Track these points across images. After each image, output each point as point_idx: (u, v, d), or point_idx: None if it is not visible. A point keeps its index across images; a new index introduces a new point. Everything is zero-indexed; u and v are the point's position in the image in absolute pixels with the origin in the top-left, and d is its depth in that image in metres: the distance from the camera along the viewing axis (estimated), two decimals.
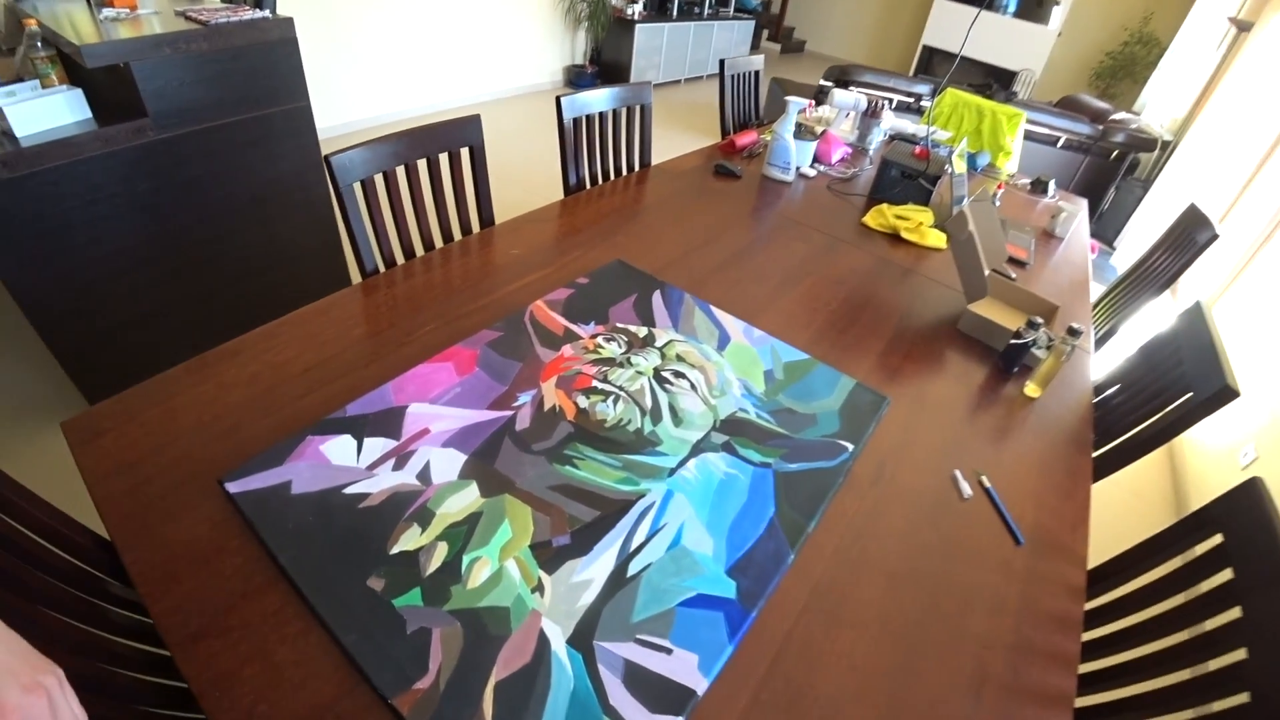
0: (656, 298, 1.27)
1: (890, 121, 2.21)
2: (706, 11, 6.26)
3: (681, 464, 0.93)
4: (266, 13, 1.87)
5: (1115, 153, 3.48)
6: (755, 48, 7.48)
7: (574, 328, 1.15)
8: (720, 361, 1.13)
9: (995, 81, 6.28)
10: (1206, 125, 3.47)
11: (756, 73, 2.30)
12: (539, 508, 0.83)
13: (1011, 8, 6.37)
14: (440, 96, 4.45)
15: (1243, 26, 3.46)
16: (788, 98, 1.74)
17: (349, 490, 0.81)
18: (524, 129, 4.35)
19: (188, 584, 0.71)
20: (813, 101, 2.18)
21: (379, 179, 1.29)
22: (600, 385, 1.03)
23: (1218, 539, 0.90)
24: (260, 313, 1.11)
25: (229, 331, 1.07)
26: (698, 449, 0.95)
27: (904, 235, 1.69)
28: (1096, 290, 2.03)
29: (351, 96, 3.84)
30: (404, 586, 0.72)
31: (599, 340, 1.13)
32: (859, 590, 0.84)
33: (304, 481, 0.81)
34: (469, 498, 0.83)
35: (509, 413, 0.96)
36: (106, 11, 1.70)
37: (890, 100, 2.21)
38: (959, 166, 1.72)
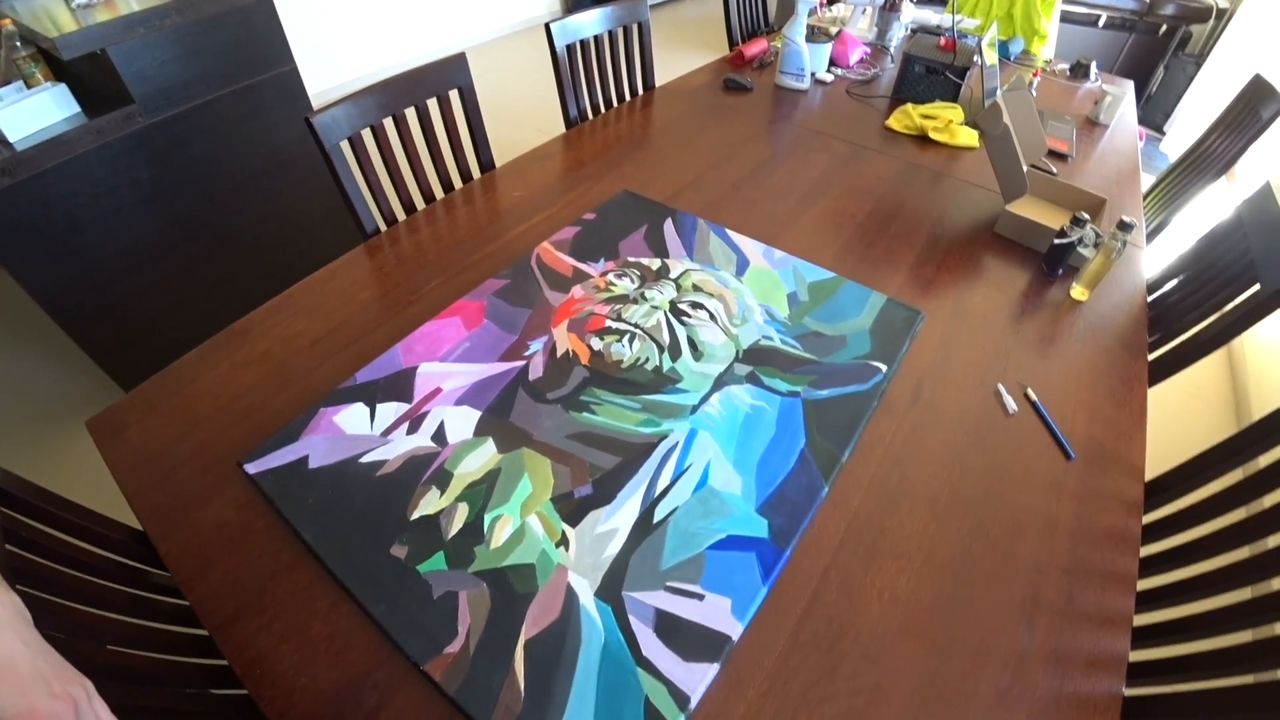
0: (668, 226, 1.20)
1: (911, 14, 2.02)
2: None
3: (704, 400, 0.88)
4: None
5: (1164, 27, 3.14)
6: None
7: (583, 267, 1.10)
8: (740, 288, 1.07)
9: None
10: None
11: None
12: (558, 459, 0.80)
13: None
14: (434, 42, 4.26)
15: None
16: None
17: (365, 459, 0.80)
18: (526, 66, 4.17)
19: (221, 568, 0.72)
20: (823, 1, 2.00)
21: (367, 134, 1.23)
22: (614, 325, 0.98)
23: None
24: (282, 285, 1.09)
25: (247, 307, 1.05)
26: (720, 382, 0.91)
27: (932, 136, 1.56)
28: (1146, 181, 1.87)
29: (340, 55, 3.71)
30: (427, 552, 0.71)
31: (610, 277, 1.07)
32: (900, 520, 0.80)
33: (320, 455, 0.80)
34: (486, 455, 0.80)
35: (521, 363, 0.92)
36: (79, 0, 1.63)
37: None
38: (989, 56, 1.56)
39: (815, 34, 1.77)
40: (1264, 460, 0.85)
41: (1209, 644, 0.76)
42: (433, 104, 1.33)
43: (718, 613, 0.67)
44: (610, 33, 1.63)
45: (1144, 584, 0.83)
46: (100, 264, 1.60)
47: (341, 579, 0.69)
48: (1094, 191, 1.30)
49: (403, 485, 0.77)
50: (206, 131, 1.71)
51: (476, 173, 1.45)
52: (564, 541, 0.72)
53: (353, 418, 0.85)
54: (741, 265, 1.12)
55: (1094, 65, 1.95)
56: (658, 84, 1.82)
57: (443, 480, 0.77)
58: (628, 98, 1.76)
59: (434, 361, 0.92)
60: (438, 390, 0.88)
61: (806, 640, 0.69)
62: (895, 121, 1.62)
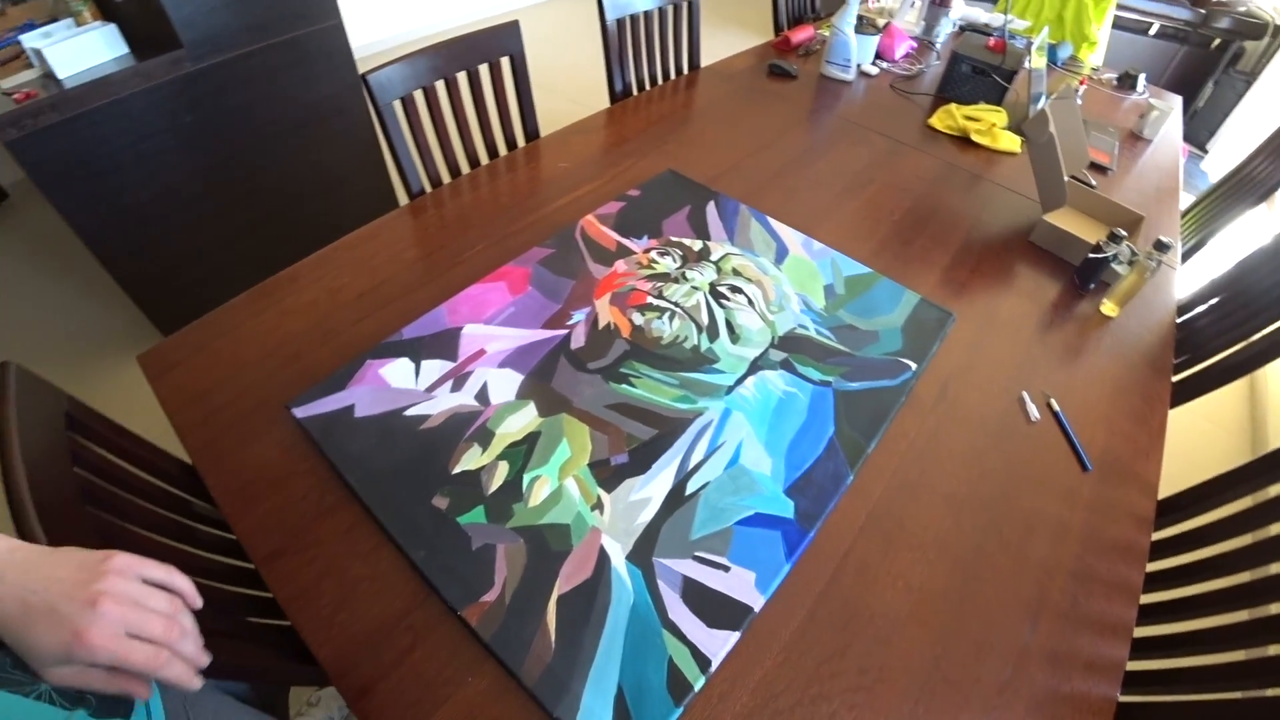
0: (711, 209, 1.22)
1: (960, 10, 2.00)
2: None
3: (739, 382, 0.91)
4: None
5: (1217, 41, 3.08)
6: None
7: (626, 242, 1.12)
8: (778, 275, 1.09)
9: None
10: None
11: None
12: (597, 426, 0.83)
13: None
14: (479, 5, 4.21)
15: None
16: None
17: (409, 412, 0.83)
18: (567, 35, 4.12)
19: (265, 504, 0.75)
20: None
21: (419, 95, 1.25)
22: (655, 301, 1.00)
23: None
24: (311, 238, 1.12)
25: (284, 259, 1.08)
26: (756, 366, 0.93)
27: (974, 138, 1.56)
28: (1185, 200, 1.86)
29: (385, 12, 3.68)
30: (467, 505, 0.74)
31: (653, 255, 1.09)
32: (918, 513, 0.83)
33: (366, 405, 0.83)
34: (527, 417, 0.83)
35: (564, 331, 0.95)
36: None
37: None
38: (1038, 60, 1.55)
39: (863, 25, 1.76)
40: (1275, 490, 0.87)
41: (1203, 659, 0.79)
42: (484, 70, 1.34)
43: (742, 584, 0.71)
44: (660, 9, 1.63)
45: (1147, 598, 0.85)
46: (140, 204, 1.63)
47: (384, 523, 0.72)
48: (1132, 208, 1.30)
49: (445, 440, 0.80)
50: (249, 81, 1.72)
51: (521, 141, 1.46)
52: (599, 505, 0.75)
53: (398, 372, 0.88)
54: (781, 253, 1.13)
55: (1143, 78, 1.93)
56: (703, 64, 1.82)
57: (484, 438, 0.80)
58: (673, 76, 1.76)
59: (478, 324, 0.95)
60: (481, 352, 0.91)
61: (823, 618, 0.72)
62: (938, 120, 1.62)
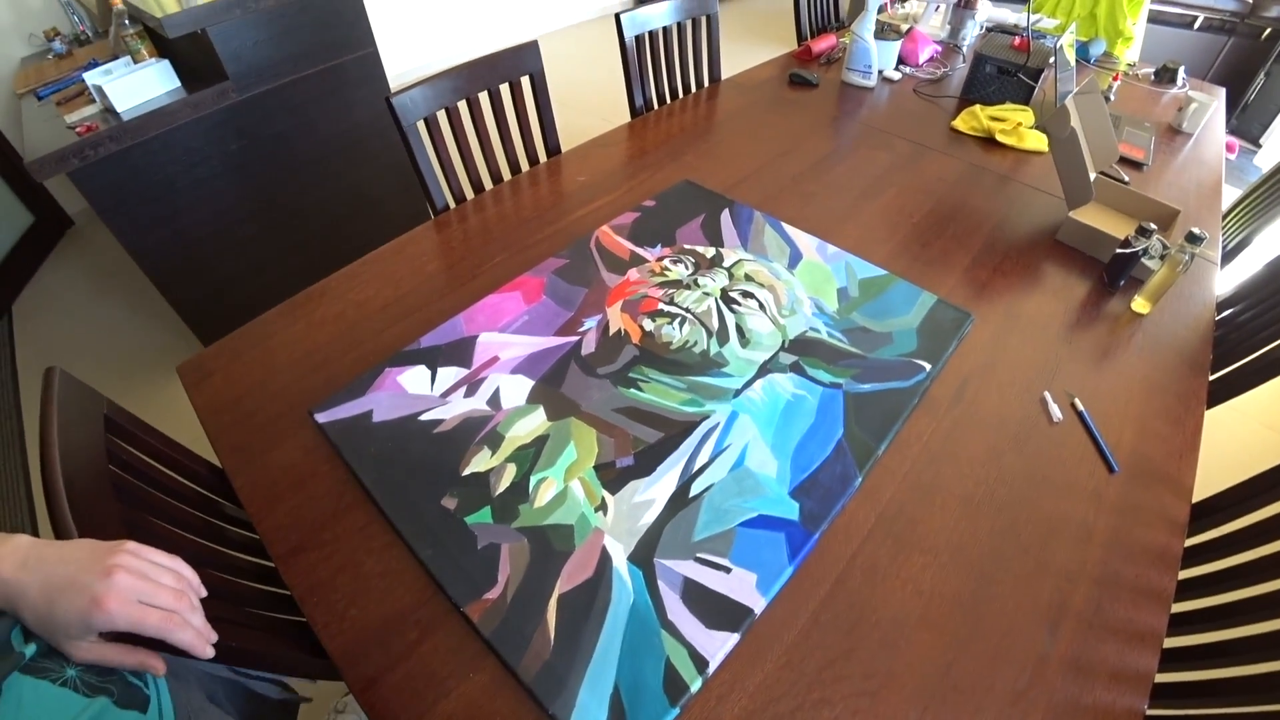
0: (725, 217, 1.23)
1: (987, 12, 1.97)
2: None
3: (747, 385, 0.91)
4: None
5: (1267, 31, 2.94)
6: None
7: (640, 251, 1.14)
8: (791, 280, 1.09)
9: None
10: None
11: None
12: (604, 430, 0.85)
13: None
14: (510, 29, 4.35)
15: None
16: None
17: (424, 417, 0.86)
18: (593, 53, 4.22)
19: (288, 504, 0.79)
20: None
21: (442, 116, 1.30)
22: (666, 308, 1.02)
23: None
24: (350, 259, 1.17)
25: (320, 275, 1.13)
26: (764, 370, 0.93)
27: (999, 139, 1.53)
28: (1232, 195, 1.78)
29: (419, 40, 3.84)
30: (475, 505, 0.76)
31: (665, 263, 1.11)
32: (931, 516, 0.81)
33: (383, 410, 0.86)
34: (536, 421, 0.85)
35: (575, 338, 0.97)
36: None
37: None
38: (1066, 58, 1.52)
39: (885, 31, 1.75)
40: None
41: (1239, 670, 0.75)
42: (505, 89, 1.39)
43: (743, 586, 0.70)
44: (679, 24, 1.66)
45: (1179, 606, 0.81)
46: (190, 227, 1.73)
47: (395, 523, 0.75)
48: (1169, 203, 1.25)
49: (457, 443, 0.82)
50: (291, 108, 1.82)
51: (543, 156, 1.50)
52: (603, 507, 0.76)
53: (415, 378, 0.91)
54: (794, 258, 1.13)
55: (1182, 70, 1.86)
56: (723, 77, 1.84)
57: (494, 441, 0.83)
58: (693, 89, 1.78)
59: (493, 331, 0.98)
60: (495, 358, 0.94)
61: (827, 621, 0.71)
62: (962, 123, 1.59)
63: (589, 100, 3.57)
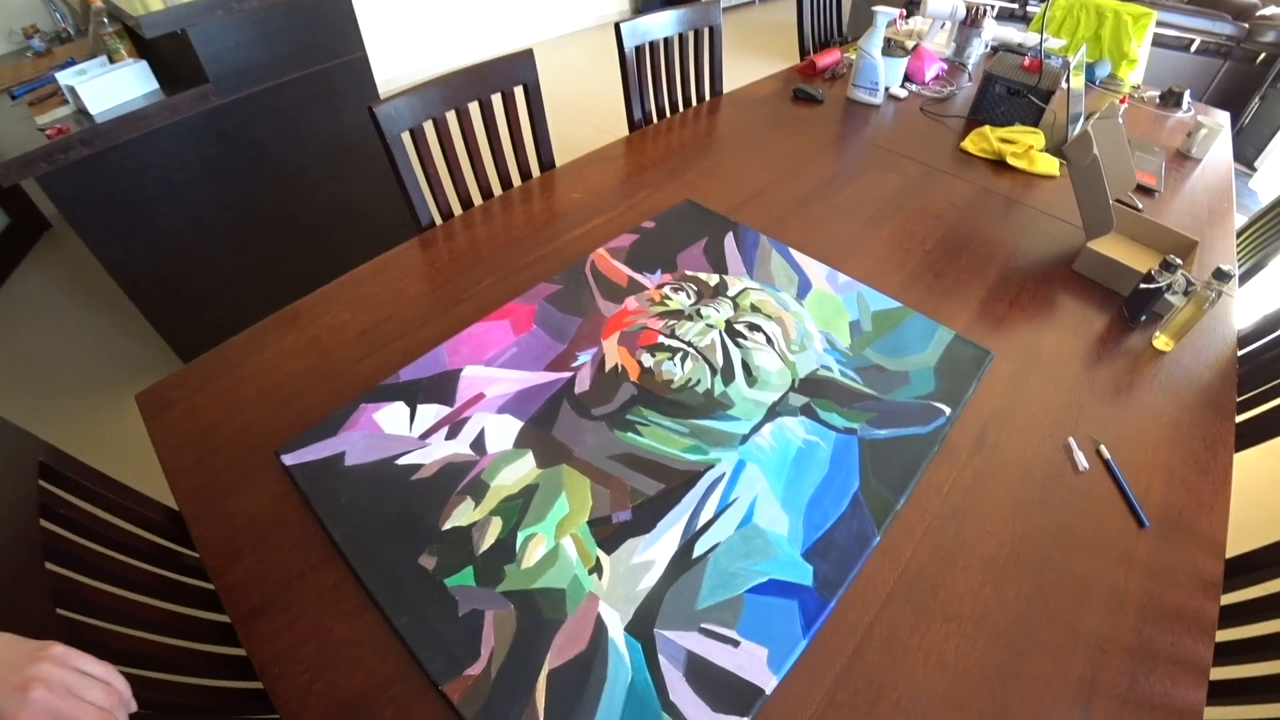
0: (729, 241, 1.16)
1: (993, 31, 1.93)
2: None
3: (755, 430, 0.84)
4: None
5: (1262, 55, 2.94)
6: None
7: (639, 277, 1.07)
8: (800, 312, 1.02)
9: None
10: None
11: None
12: (598, 479, 0.78)
13: None
14: (505, 37, 4.29)
15: None
16: (875, 8, 1.53)
17: (401, 461, 0.78)
18: (591, 62, 4.16)
19: (249, 559, 0.71)
20: (903, 11, 1.93)
21: (429, 126, 1.23)
22: (667, 341, 0.95)
23: None
24: (334, 270, 1.10)
25: (302, 286, 1.06)
26: (774, 412, 0.87)
27: (1010, 161, 1.48)
28: (1237, 221, 1.74)
29: (410, 46, 3.76)
30: (456, 565, 0.69)
31: (666, 291, 1.04)
32: (953, 578, 0.75)
33: (357, 452, 0.79)
34: (524, 468, 0.78)
35: (568, 374, 0.90)
36: None
37: (992, 6, 1.92)
38: (1076, 80, 1.47)
39: (891, 47, 1.70)
40: None
41: None
42: (496, 99, 1.32)
43: (753, 662, 0.64)
44: (681, 36, 1.60)
45: (1217, 673, 0.76)
46: (166, 235, 1.65)
47: (367, 584, 0.68)
48: (1184, 232, 1.21)
49: (437, 492, 0.75)
50: (274, 114, 1.75)
51: (536, 171, 1.43)
52: (598, 568, 0.69)
53: (392, 417, 0.83)
54: (803, 287, 1.07)
55: (1187, 94, 1.83)
56: (725, 90, 1.78)
57: (478, 491, 0.75)
58: (694, 103, 1.73)
59: (479, 365, 0.90)
60: (480, 396, 0.86)
61: (844, 700, 0.64)
62: (971, 144, 1.54)
63: (584, 110, 3.52)
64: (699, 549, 0.72)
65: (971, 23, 1.85)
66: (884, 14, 1.53)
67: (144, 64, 1.58)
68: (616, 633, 0.64)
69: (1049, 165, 1.47)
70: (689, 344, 0.94)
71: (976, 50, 1.91)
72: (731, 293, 1.04)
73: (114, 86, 1.52)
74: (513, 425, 0.83)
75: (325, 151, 1.92)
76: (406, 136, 1.20)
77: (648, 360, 0.92)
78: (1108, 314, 1.13)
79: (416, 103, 1.18)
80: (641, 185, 1.35)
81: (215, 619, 0.75)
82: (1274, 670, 0.77)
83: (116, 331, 2.12)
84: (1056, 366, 1.02)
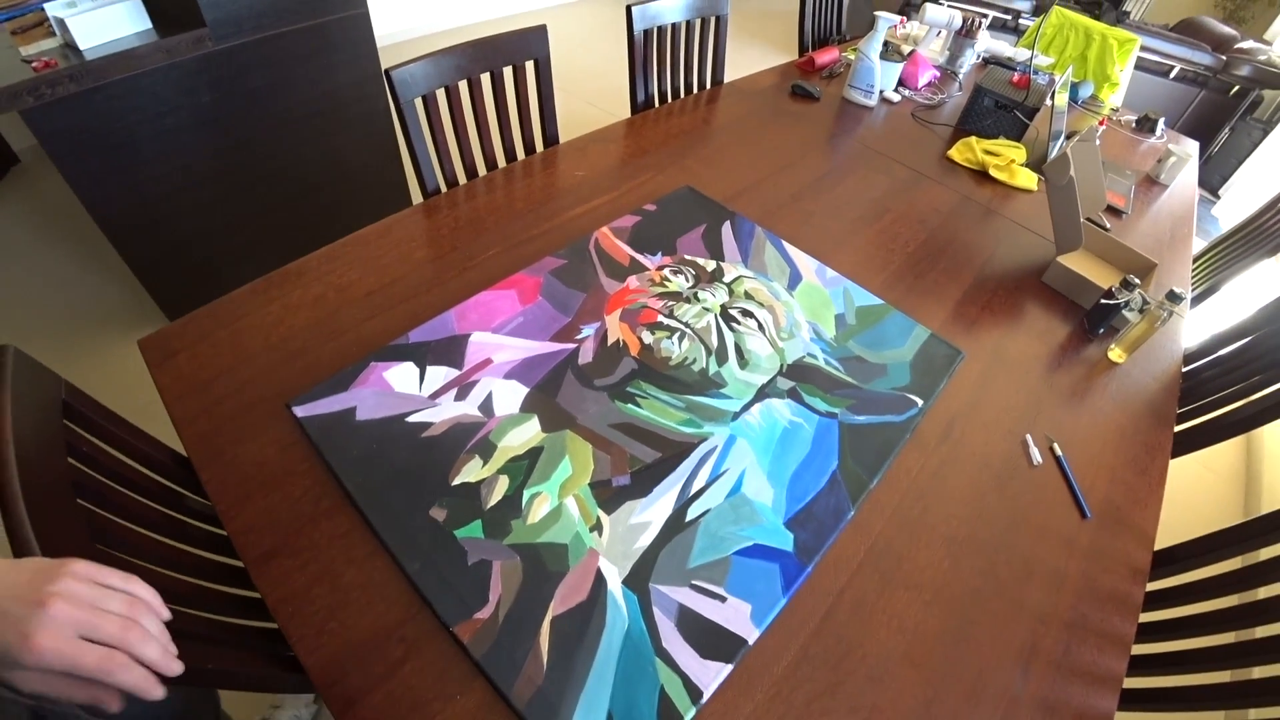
0: (726, 229, 1.21)
1: (985, 42, 2.00)
2: None
3: (745, 408, 0.90)
4: None
5: (1235, 88, 3.09)
6: None
7: (640, 258, 1.11)
8: (790, 302, 1.08)
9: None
10: None
11: None
12: (600, 446, 0.83)
13: None
14: (507, 1, 4.20)
15: None
16: (877, 13, 1.58)
17: (411, 419, 0.82)
18: (589, 36, 4.12)
19: (260, 503, 0.74)
20: (903, 18, 1.98)
21: (440, 94, 1.24)
22: (666, 321, 1.00)
23: None
24: (322, 228, 1.11)
25: (294, 246, 1.07)
26: (762, 394, 0.93)
27: (992, 173, 1.56)
28: (1196, 244, 1.86)
29: (408, 2, 3.67)
30: (465, 518, 0.73)
31: (666, 272, 1.09)
32: (917, 552, 0.82)
33: (368, 408, 0.82)
34: (530, 432, 0.83)
35: (572, 345, 0.94)
36: None
37: (985, 17, 1.99)
38: (1060, 99, 1.55)
39: (888, 52, 1.75)
40: (1265, 553, 0.88)
41: (1187, 717, 0.80)
42: (508, 72, 1.33)
43: (738, 616, 0.70)
44: (689, 22, 1.63)
45: (1139, 649, 0.85)
46: (151, 181, 1.62)
47: (379, 532, 0.71)
48: (1145, 254, 1.30)
49: (446, 450, 0.79)
50: (270, 64, 1.72)
51: (540, 146, 1.45)
52: (598, 527, 0.75)
53: (402, 376, 0.87)
54: (794, 279, 1.13)
55: (1161, 121, 1.93)
56: (725, 79, 1.81)
57: (486, 451, 0.80)
58: (695, 90, 1.76)
59: (486, 332, 0.94)
60: (488, 361, 0.90)
61: (816, 654, 0.71)
62: (957, 153, 1.61)
63: (579, 84, 3.50)
64: (691, 514, 0.78)
65: (966, 33, 1.91)
66: (886, 19, 1.58)
67: (138, 1, 1.54)
68: (615, 585, 0.70)
69: (1028, 179, 1.55)
70: (686, 324, 1.00)
71: (969, 60, 1.98)
72: (727, 279, 1.10)
73: (105, 22, 1.48)
74: (519, 390, 0.87)
75: (318, 107, 1.89)
76: (419, 103, 1.21)
77: (648, 337, 0.97)
78: (1070, 324, 1.22)
79: (432, 69, 1.19)
80: (643, 168, 1.38)
81: (227, 562, 0.78)
82: (1185, 647, 0.87)
83: (91, 275, 2.07)
84: (1020, 369, 1.10)
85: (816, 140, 1.60)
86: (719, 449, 0.85)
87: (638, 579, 0.71)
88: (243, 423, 0.82)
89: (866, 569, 0.80)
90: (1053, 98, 1.53)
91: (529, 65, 1.36)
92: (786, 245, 1.20)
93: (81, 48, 1.43)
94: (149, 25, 1.55)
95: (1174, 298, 1.08)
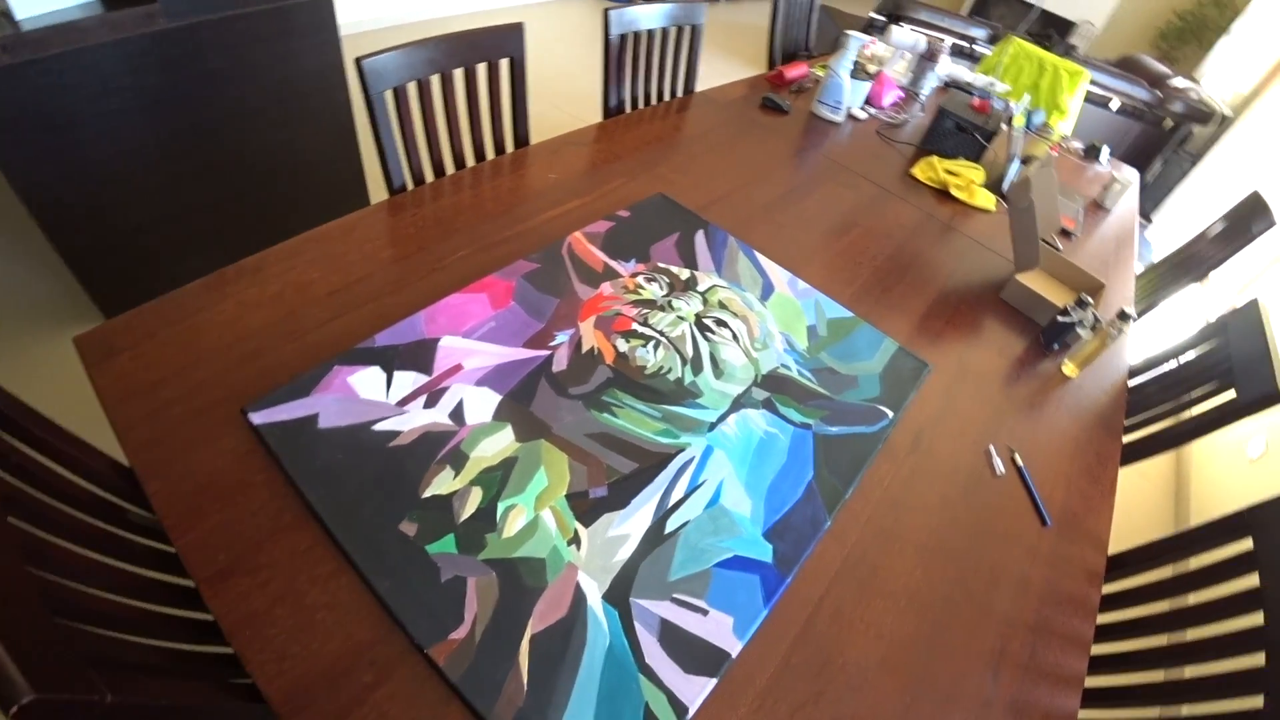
0: (700, 238, 1.21)
1: (947, 68, 2.07)
2: None
3: (722, 419, 0.90)
4: None
5: (1169, 122, 3.29)
6: None
7: (614, 264, 1.10)
8: (763, 312, 1.09)
9: (1055, 31, 5.88)
10: (1272, 104, 3.28)
11: (812, 0, 2.13)
12: (576, 456, 0.80)
13: None
14: None
15: None
16: (848, 33, 1.61)
17: (379, 427, 0.78)
18: (556, 38, 4.08)
19: (214, 518, 0.69)
20: (874, 39, 2.03)
21: (412, 87, 1.20)
22: (640, 329, 0.98)
23: (1248, 544, 0.89)
24: (275, 223, 1.05)
25: (243, 241, 1.01)
26: (738, 404, 0.92)
27: (953, 192, 1.61)
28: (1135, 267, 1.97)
29: None
30: (438, 533, 0.70)
31: (640, 280, 1.08)
32: (890, 561, 0.84)
33: (332, 415, 0.78)
34: (504, 441, 0.80)
35: (546, 352, 0.92)
36: None
37: (943, 42, 2.06)
38: (1017, 125, 1.62)
39: (856, 70, 1.79)
40: (1194, 563, 0.93)
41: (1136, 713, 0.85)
42: (482, 69, 1.30)
43: (720, 629, 0.69)
44: (664, 30, 1.62)
45: (1098, 649, 0.89)
46: (91, 165, 1.51)
47: (346, 548, 0.67)
48: (1094, 274, 1.36)
49: (416, 460, 0.76)
50: (226, 48, 1.63)
51: (511, 146, 1.42)
52: (576, 540, 0.73)
53: (368, 381, 0.83)
54: (767, 290, 1.13)
55: (1106, 150, 2.04)
56: (697, 88, 1.82)
57: (458, 461, 0.77)
58: (667, 97, 1.76)
59: (457, 336, 0.91)
60: (459, 367, 0.87)
61: (797, 664, 0.71)
62: (920, 171, 1.66)
63: (543, 85, 3.45)
64: (670, 525, 0.76)
65: (929, 57, 1.98)
66: (857, 39, 1.62)
67: None
68: (595, 600, 0.68)
69: (986, 200, 1.60)
70: (661, 333, 0.99)
71: (930, 83, 2.05)
72: (701, 288, 1.09)
73: None
74: (491, 398, 0.84)
75: (276, 95, 1.80)
76: (389, 95, 1.16)
77: (623, 345, 0.95)
78: (1026, 339, 1.26)
79: (404, 61, 1.15)
80: (615, 174, 1.37)
81: (174, 581, 0.73)
82: (1137, 648, 0.92)
83: (15, 266, 1.92)
84: (983, 382, 1.14)
85: (786, 153, 1.62)
86: (696, 459, 0.84)
87: (618, 593, 0.69)
88: (193, 430, 0.77)
89: (844, 578, 0.80)
90: (1010, 123, 1.59)
91: (504, 64, 1.33)
92: (759, 256, 1.21)
93: (18, 17, 1.32)
94: None
95: (1124, 317, 1.14)
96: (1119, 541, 1.01)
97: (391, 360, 0.86)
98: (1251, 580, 0.85)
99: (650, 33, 1.59)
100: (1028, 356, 1.23)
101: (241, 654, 0.60)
